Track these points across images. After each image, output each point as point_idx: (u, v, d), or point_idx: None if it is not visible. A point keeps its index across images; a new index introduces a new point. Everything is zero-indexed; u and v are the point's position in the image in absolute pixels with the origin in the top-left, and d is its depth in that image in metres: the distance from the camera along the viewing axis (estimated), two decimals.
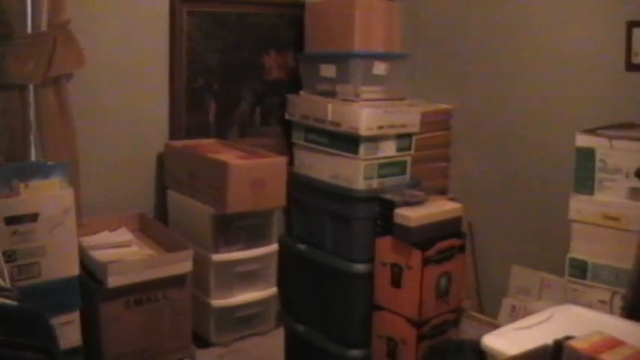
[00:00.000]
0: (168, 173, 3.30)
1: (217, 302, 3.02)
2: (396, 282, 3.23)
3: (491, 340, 2.04)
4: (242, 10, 3.54)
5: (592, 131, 3.05)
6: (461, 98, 3.93)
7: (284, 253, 3.48)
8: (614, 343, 1.61)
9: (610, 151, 2.95)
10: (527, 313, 3.27)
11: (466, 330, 3.42)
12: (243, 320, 3.11)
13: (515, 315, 3.57)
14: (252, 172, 2.97)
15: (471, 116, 3.90)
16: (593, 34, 3.41)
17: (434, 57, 4.08)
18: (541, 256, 3.59)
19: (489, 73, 3.83)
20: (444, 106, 3.88)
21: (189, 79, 3.40)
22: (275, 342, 3.25)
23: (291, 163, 3.64)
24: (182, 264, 2.82)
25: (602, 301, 2.98)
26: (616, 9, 3.31)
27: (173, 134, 3.39)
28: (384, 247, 3.27)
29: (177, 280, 2.82)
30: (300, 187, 3.58)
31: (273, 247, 3.16)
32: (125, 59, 3.20)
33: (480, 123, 3.88)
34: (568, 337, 1.65)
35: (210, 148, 3.31)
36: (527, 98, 3.67)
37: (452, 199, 3.55)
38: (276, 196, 3.06)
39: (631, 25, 3.26)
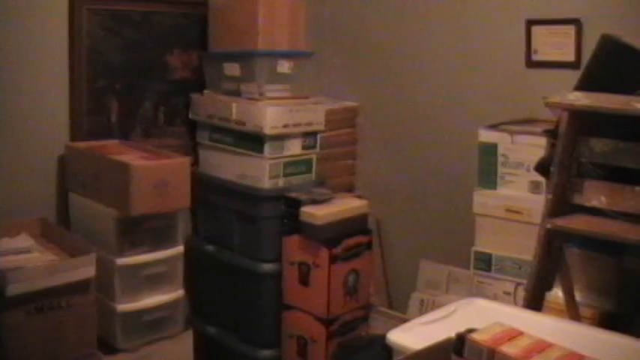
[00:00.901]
0: (69, 176, 3.21)
1: (123, 307, 2.96)
2: (305, 280, 3.23)
3: (397, 336, 2.04)
4: (145, 8, 3.48)
5: (494, 127, 3.10)
6: (367, 96, 3.95)
7: (192, 255, 3.45)
8: (514, 334, 1.63)
9: (512, 146, 3.01)
10: (436, 306, 3.30)
11: (376, 326, 3.43)
12: (150, 324, 3.05)
13: (424, 309, 3.60)
14: (156, 173, 2.91)
15: (377, 113, 3.92)
16: (495, 32, 3.47)
17: (340, 55, 4.09)
18: (448, 250, 3.63)
19: (395, 70, 3.86)
20: (349, 103, 3.89)
21: (91, 79, 3.32)
22: (184, 345, 3.20)
23: (196, 163, 3.59)
24: (85, 269, 2.73)
25: (507, 293, 3.04)
26: (516, 7, 3.38)
27: (74, 136, 3.30)
28: (292, 245, 3.26)
29: (80, 286, 2.73)
30: (206, 187, 3.54)
31: (179, 248, 3.11)
32: (22, 58, 3.10)
33: (385, 120, 3.91)
34: (470, 330, 1.66)
35: (113, 149, 3.23)
36: (431, 95, 3.71)
37: (359, 197, 3.57)
38: (181, 197, 3.02)
39: (530, 23, 3.34)
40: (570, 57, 3.23)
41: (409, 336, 1.99)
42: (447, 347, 1.69)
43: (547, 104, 2.48)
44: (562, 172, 2.42)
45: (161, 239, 3.05)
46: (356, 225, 3.30)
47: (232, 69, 3.43)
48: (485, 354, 1.57)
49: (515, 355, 1.53)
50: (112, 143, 3.34)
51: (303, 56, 3.48)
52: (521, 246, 2.85)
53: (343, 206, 3.27)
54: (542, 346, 1.58)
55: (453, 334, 1.68)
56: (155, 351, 3.07)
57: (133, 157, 3.02)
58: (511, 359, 1.52)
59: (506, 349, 1.55)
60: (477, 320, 1.85)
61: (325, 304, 3.19)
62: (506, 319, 1.78)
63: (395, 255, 3.95)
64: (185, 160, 3.06)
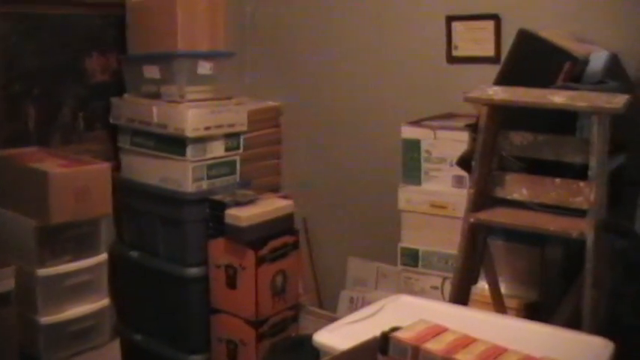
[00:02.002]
0: None
1: (46, 319, 2.87)
2: (232, 283, 3.20)
3: (323, 337, 2.03)
4: (61, 11, 3.38)
5: (417, 123, 3.12)
6: (290, 95, 3.92)
7: (116, 262, 3.38)
8: (438, 330, 1.64)
9: (434, 142, 3.03)
10: (366, 303, 3.30)
11: (306, 325, 3.42)
12: (75, 335, 2.97)
13: (354, 306, 3.60)
14: (75, 180, 2.85)
15: (300, 112, 3.90)
16: (415, 29, 3.50)
17: (262, 54, 4.05)
18: (376, 247, 3.64)
19: (317, 69, 3.85)
20: (272, 103, 3.85)
21: (5, 85, 3.22)
22: (111, 355, 3.13)
23: (119, 168, 3.53)
24: (4, 282, 2.65)
25: (435, 287, 3.07)
26: (435, 4, 3.41)
27: None
28: (218, 248, 3.23)
29: None
30: (128, 192, 3.47)
31: (103, 256, 3.04)
32: None
33: (309, 119, 3.89)
34: (394, 328, 1.66)
35: (31, 156, 3.13)
36: (354, 92, 3.71)
37: (284, 197, 3.54)
38: (102, 203, 2.95)
39: (450, 19, 3.37)
40: (490, 52, 3.27)
41: (335, 336, 1.98)
42: (372, 346, 1.68)
43: (466, 99, 2.50)
44: (483, 166, 2.44)
45: (83, 247, 2.98)
46: (282, 225, 3.28)
47: (152, 71, 3.37)
48: (409, 352, 1.57)
49: (439, 352, 1.53)
50: (30, 150, 3.24)
51: (224, 57, 3.44)
52: (448, 240, 2.87)
53: (268, 207, 3.25)
54: (466, 342, 1.59)
55: (378, 333, 1.68)
56: None
57: (51, 164, 2.93)
58: (435, 356, 1.53)
59: (431, 345, 1.56)
60: (403, 317, 1.85)
61: (253, 307, 3.16)
62: (432, 315, 1.79)
63: (323, 253, 3.95)
64: (105, 166, 3.00)
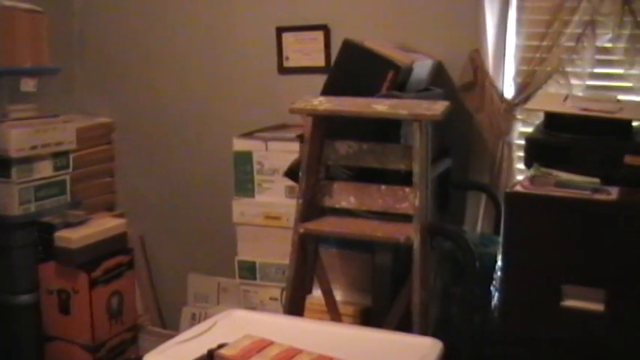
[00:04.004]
0: None
1: None
2: (65, 308, 3.08)
3: (153, 358, 1.98)
4: None
5: (248, 135, 3.12)
6: (121, 111, 3.83)
7: None
8: (263, 345, 1.63)
9: (266, 153, 3.04)
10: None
11: (147, 347, 3.32)
12: None
13: (196, 323, 3.54)
14: None
15: (132, 128, 3.82)
16: (246, 40, 3.50)
17: (90, 70, 3.93)
18: (215, 262, 3.61)
19: (148, 83, 3.78)
20: (103, 119, 3.76)
21: None
22: None
23: None
24: None
25: (274, 299, 3.07)
26: (266, 15, 3.42)
27: None
28: (48, 273, 3.10)
29: None
30: None
31: None
32: None
33: (142, 134, 3.82)
34: (221, 345, 1.64)
35: None
36: (187, 105, 3.67)
37: (119, 215, 3.46)
38: None
39: (280, 30, 3.39)
40: (320, 62, 3.32)
41: (165, 357, 1.93)
42: None
43: (292, 110, 2.52)
44: (310, 176, 2.46)
45: None
46: (115, 245, 3.19)
47: None
48: None
49: None
50: None
51: (49, 73, 3.32)
52: (284, 251, 2.84)
53: (100, 227, 3.16)
54: (291, 354, 1.60)
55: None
56: None
57: None
58: None
59: None
60: (235, 333, 1.83)
61: (89, 331, 3.06)
62: (265, 328, 1.79)
63: (162, 271, 3.88)
64: None
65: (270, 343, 1.64)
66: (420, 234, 2.31)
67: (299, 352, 1.60)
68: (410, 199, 2.36)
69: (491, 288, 2.68)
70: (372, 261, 2.67)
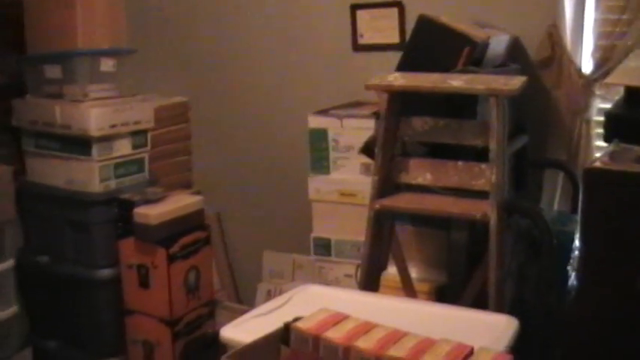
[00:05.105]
0: None
1: None
2: (144, 283, 3.15)
3: (229, 331, 2.01)
4: None
5: (323, 112, 3.13)
6: (197, 90, 3.88)
7: (25, 268, 3.30)
8: (339, 319, 1.63)
9: (341, 130, 3.04)
10: None
11: (223, 322, 3.36)
12: None
13: (272, 299, 3.59)
14: None
15: (208, 107, 3.86)
16: (320, 18, 3.50)
17: (166, 50, 3.99)
18: (291, 239, 3.64)
19: (222, 62, 3.81)
20: (180, 99, 3.80)
21: None
22: None
23: (24, 172, 3.43)
24: None
25: (348, 275, 3.08)
26: None
27: None
28: (128, 248, 3.17)
29: None
30: (34, 196, 3.38)
31: (8, 263, 2.98)
32: None
33: (218, 113, 3.86)
34: (297, 319, 1.65)
35: None
36: (261, 84, 3.70)
37: (196, 193, 3.50)
38: (3, 208, 2.91)
39: (355, 7, 3.38)
40: (395, 39, 3.31)
41: (241, 330, 1.97)
42: (275, 338, 1.67)
43: (367, 87, 2.51)
44: (386, 152, 2.46)
45: None
46: (192, 221, 3.23)
47: (53, 71, 3.28)
48: (310, 341, 1.56)
49: (339, 340, 1.52)
50: None
51: (127, 53, 3.37)
52: (359, 228, 2.85)
53: (177, 204, 3.20)
54: (366, 328, 1.59)
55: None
56: None
57: None
58: (335, 344, 1.52)
59: (331, 334, 1.55)
60: (311, 307, 1.83)
61: (167, 305, 3.12)
62: (340, 303, 1.79)
63: (238, 248, 3.93)
64: (5, 170, 2.93)
65: (346, 317, 1.64)
66: (497, 211, 2.28)
67: (374, 326, 1.60)
68: (486, 176, 2.34)
69: (568, 267, 2.64)
70: (448, 238, 2.65)
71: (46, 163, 3.34)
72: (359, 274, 2.56)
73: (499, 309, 2.24)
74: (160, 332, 3.16)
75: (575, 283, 2.46)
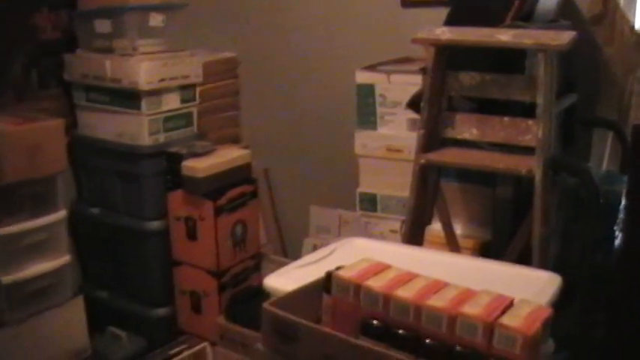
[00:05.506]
0: None
1: (6, 278, 2.85)
2: (192, 235, 3.20)
3: (272, 280, 2.05)
4: None
5: (371, 67, 3.12)
6: (245, 46, 3.88)
7: (78, 219, 3.38)
8: (380, 268, 1.65)
9: (389, 86, 3.03)
10: None
11: (268, 275, 3.43)
12: (36, 294, 2.96)
13: None
14: (26, 138, 2.83)
15: (256, 63, 3.87)
16: None
17: (215, 6, 3.99)
18: (337, 194, 3.65)
19: (271, 17, 3.82)
20: (228, 54, 3.81)
21: None
22: (74, 312, 3.14)
23: (75, 125, 3.50)
24: None
25: (394, 231, 3.09)
26: None
27: None
28: (176, 201, 3.22)
29: None
30: (86, 149, 3.46)
31: (61, 214, 3.03)
32: None
33: (266, 69, 3.87)
34: (339, 268, 1.67)
35: None
36: (308, 39, 3.69)
37: (244, 148, 3.53)
38: (56, 160, 2.95)
39: None
40: None
41: (285, 279, 1.99)
42: (318, 287, 1.70)
43: (414, 41, 2.50)
44: (432, 107, 2.45)
45: (40, 205, 2.96)
46: (239, 175, 3.27)
47: (103, 26, 3.32)
48: (351, 289, 1.59)
49: (380, 288, 1.54)
50: None
51: (176, 8, 3.39)
52: (405, 184, 2.85)
53: (225, 157, 3.24)
54: (407, 278, 1.61)
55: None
56: (44, 321, 3.00)
57: (2, 124, 2.90)
58: (376, 292, 1.54)
59: (372, 283, 1.57)
60: (354, 259, 1.85)
61: (214, 257, 3.18)
62: (384, 255, 1.80)
63: (285, 203, 3.96)
64: (58, 123, 2.98)
65: (387, 267, 1.65)
66: (543, 167, 2.27)
67: (415, 276, 1.61)
68: (533, 132, 2.32)
69: (615, 227, 2.61)
70: (493, 195, 2.65)
71: (97, 117, 3.40)
72: (403, 227, 2.56)
73: (543, 266, 2.23)
74: (206, 283, 3.22)
75: (621, 243, 2.44)
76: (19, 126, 2.88)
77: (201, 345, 3.19)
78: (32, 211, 2.93)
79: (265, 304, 1.64)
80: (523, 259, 2.33)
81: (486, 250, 2.72)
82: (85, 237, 3.55)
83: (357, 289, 1.58)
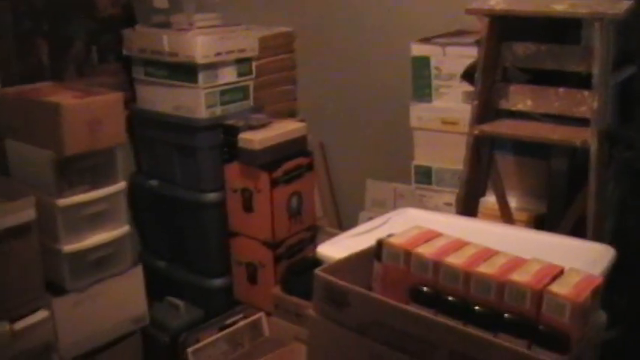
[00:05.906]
0: (3, 122, 3.16)
1: (68, 247, 2.95)
2: (248, 206, 3.25)
3: (325, 249, 2.07)
4: None
5: (426, 40, 3.10)
6: (301, 20, 3.89)
7: (137, 191, 3.46)
8: (431, 236, 1.66)
9: (444, 58, 3.01)
10: None
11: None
12: (97, 263, 3.05)
13: None
14: (87, 111, 2.90)
15: (312, 37, 3.87)
16: None
17: None
18: (392, 168, 3.64)
19: None
20: (283, 29, 3.84)
21: (16, 22, 3.25)
22: (134, 281, 3.21)
23: (134, 99, 3.57)
24: (25, 212, 2.72)
25: (448, 204, 3.08)
26: None
27: (5, 81, 3.23)
28: (233, 173, 3.27)
29: (21, 230, 2.72)
30: (144, 122, 3.53)
31: (120, 185, 3.10)
32: None
33: (321, 43, 3.86)
34: (390, 235, 1.69)
35: (46, 91, 3.18)
36: (363, 12, 3.67)
37: (300, 121, 3.56)
38: (115, 133, 3.01)
39: None
40: None
41: (338, 248, 2.01)
42: (369, 255, 1.72)
43: (468, 11, 2.48)
44: (486, 78, 2.44)
45: (100, 177, 3.03)
46: (295, 147, 3.30)
47: (161, 1, 3.38)
48: (402, 256, 1.60)
49: (430, 255, 1.56)
50: (44, 85, 3.28)
51: None
52: (460, 157, 2.84)
53: (281, 130, 3.27)
54: (457, 245, 1.62)
55: None
56: (104, 289, 3.09)
57: (64, 97, 2.97)
58: (426, 259, 1.56)
59: (422, 250, 1.59)
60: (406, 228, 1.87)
61: (270, 229, 3.22)
62: (437, 225, 1.80)
63: (341, 177, 3.96)
64: (117, 96, 3.04)
65: (438, 235, 1.67)
66: (597, 138, 2.24)
67: (466, 244, 1.62)
68: (588, 103, 2.29)
69: None
70: (548, 167, 2.63)
71: (155, 90, 3.47)
72: (457, 199, 2.56)
73: (597, 238, 2.21)
74: (262, 254, 3.27)
75: None
76: (80, 100, 2.95)
77: (257, 315, 3.25)
78: (93, 183, 3.01)
79: (317, 270, 1.67)
80: (578, 232, 2.32)
81: (540, 223, 2.70)
82: (144, 209, 3.63)
83: (407, 256, 1.59)
